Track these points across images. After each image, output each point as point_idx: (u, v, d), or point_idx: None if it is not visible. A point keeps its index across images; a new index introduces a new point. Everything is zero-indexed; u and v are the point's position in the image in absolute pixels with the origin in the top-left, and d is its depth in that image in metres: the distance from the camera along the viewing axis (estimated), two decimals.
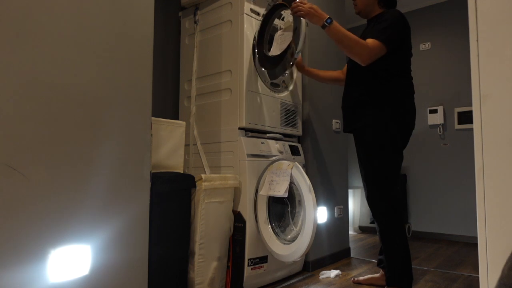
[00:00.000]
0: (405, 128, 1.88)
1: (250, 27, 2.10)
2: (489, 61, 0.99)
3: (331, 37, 1.79)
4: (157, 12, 1.50)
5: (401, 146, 1.88)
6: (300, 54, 2.03)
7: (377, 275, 2.09)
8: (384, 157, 1.84)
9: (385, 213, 1.83)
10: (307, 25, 1.95)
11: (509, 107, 0.96)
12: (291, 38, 1.95)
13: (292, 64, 1.94)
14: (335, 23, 1.77)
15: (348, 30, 1.81)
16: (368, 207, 1.93)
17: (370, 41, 1.77)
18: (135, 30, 1.35)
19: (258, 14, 2.16)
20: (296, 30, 1.91)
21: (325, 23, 1.77)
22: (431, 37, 3.86)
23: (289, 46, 1.94)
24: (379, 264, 2.09)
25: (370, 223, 3.98)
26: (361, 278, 2.12)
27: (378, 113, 1.84)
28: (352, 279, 2.16)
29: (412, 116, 1.91)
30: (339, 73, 2.27)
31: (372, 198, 1.87)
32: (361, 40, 1.77)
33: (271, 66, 2.03)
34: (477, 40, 1.01)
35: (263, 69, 2.05)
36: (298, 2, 1.85)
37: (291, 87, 2.35)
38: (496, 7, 0.99)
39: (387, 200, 1.83)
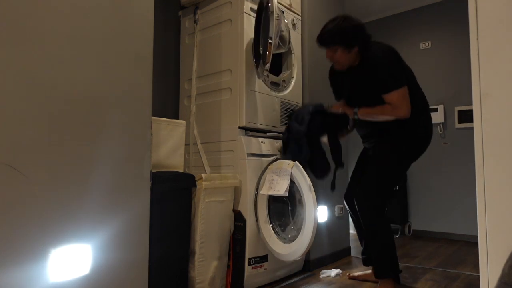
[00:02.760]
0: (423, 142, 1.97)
1: (250, 26, 2.10)
2: (489, 60, 0.99)
3: (366, 118, 1.94)
4: (157, 12, 1.50)
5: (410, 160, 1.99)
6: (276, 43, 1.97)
7: (369, 271, 2.13)
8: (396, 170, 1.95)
9: (376, 215, 1.89)
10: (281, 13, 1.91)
11: (509, 105, 0.96)
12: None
13: (265, 58, 1.89)
14: (361, 109, 1.92)
15: None
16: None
17: (392, 97, 1.82)
18: (135, 29, 1.35)
19: None
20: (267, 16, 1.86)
21: (354, 112, 1.93)
22: (431, 36, 3.85)
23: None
24: (365, 262, 2.14)
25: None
26: (356, 274, 2.19)
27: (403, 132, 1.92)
28: (348, 274, 2.21)
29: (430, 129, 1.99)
30: None
31: (367, 203, 1.92)
32: (385, 106, 1.85)
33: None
34: (477, 39, 1.01)
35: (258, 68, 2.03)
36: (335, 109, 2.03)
37: (291, 86, 2.34)
38: (496, 6, 0.99)
39: (382, 208, 1.92)
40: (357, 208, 1.93)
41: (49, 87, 1.09)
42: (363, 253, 2.16)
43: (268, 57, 1.87)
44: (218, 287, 1.85)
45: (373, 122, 1.96)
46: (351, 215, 2.16)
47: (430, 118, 2.00)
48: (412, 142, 1.94)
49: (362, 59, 1.91)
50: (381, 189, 1.92)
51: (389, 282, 1.88)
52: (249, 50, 2.07)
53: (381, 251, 1.90)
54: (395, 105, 1.82)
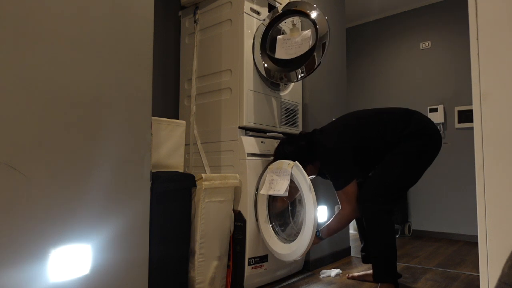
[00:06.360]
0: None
1: (250, 26, 2.10)
2: (490, 60, 0.99)
3: (331, 234, 1.98)
4: (157, 12, 1.50)
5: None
6: None
7: (371, 271, 2.11)
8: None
9: (380, 215, 1.84)
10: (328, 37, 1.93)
11: (509, 105, 0.96)
12: (305, 49, 1.94)
13: (303, 77, 1.99)
14: (321, 230, 1.96)
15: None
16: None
17: (338, 196, 1.92)
18: (135, 30, 1.35)
19: (258, 13, 2.15)
20: (318, 45, 1.90)
21: (320, 238, 1.96)
22: (431, 36, 3.86)
23: (305, 58, 1.94)
24: (365, 260, 2.16)
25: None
26: (356, 274, 2.18)
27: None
28: (348, 275, 2.20)
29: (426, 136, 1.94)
30: None
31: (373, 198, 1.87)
32: (337, 215, 1.95)
33: (277, 68, 2.03)
34: (477, 39, 1.01)
35: (270, 69, 2.05)
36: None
37: (291, 86, 2.34)
38: (496, 6, 0.99)
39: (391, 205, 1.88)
40: (361, 210, 1.87)
41: (49, 87, 1.09)
42: (362, 250, 2.15)
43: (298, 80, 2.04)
44: (218, 287, 1.85)
45: (374, 158, 1.95)
46: None
47: (421, 121, 1.94)
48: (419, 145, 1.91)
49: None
50: (391, 189, 1.86)
51: (389, 287, 1.84)
52: (249, 50, 2.07)
53: (381, 254, 1.85)
54: (340, 213, 1.92)
